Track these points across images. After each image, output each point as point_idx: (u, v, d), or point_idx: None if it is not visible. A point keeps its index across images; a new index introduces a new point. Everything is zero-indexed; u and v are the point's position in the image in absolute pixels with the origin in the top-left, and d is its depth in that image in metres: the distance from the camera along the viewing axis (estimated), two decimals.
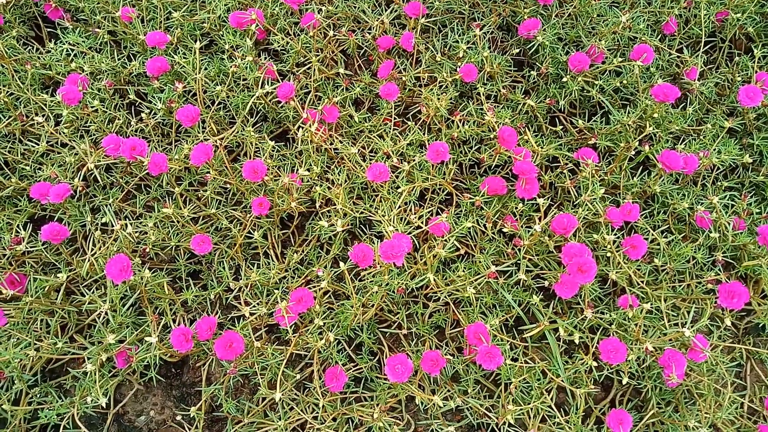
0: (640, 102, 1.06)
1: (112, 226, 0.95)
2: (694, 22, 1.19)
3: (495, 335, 0.92)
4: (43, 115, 1.09)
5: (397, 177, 1.03)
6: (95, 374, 0.86)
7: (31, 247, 0.98)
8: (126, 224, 0.95)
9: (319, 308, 0.91)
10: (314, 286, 0.92)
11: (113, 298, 0.90)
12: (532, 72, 1.15)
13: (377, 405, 0.90)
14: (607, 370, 0.91)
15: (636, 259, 0.93)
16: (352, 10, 1.20)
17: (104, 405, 0.87)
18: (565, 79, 1.10)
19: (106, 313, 0.88)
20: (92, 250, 0.96)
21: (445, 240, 0.93)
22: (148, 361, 0.89)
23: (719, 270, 0.98)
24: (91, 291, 0.94)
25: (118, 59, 1.16)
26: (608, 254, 0.94)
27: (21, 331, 0.91)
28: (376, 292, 0.90)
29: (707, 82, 1.15)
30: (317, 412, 0.90)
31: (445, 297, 0.97)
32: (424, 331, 0.99)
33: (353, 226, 1.02)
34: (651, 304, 0.93)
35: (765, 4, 1.20)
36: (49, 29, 1.26)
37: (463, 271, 0.96)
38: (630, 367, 0.88)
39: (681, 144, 1.07)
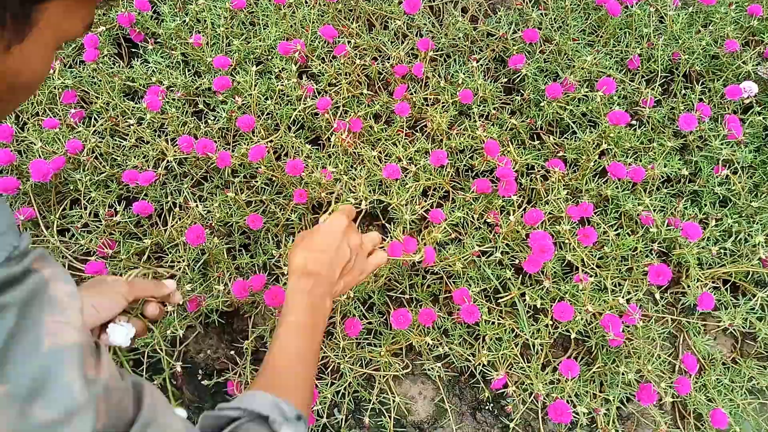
0: (600, 124, 1.34)
1: (188, 204, 1.25)
2: (654, 59, 1.46)
3: (476, 300, 1.20)
4: (130, 118, 1.38)
5: (405, 176, 1.31)
6: (174, 313, 1.15)
7: (121, 219, 1.27)
8: (197, 204, 1.25)
9: None
10: None
11: (188, 258, 1.19)
12: (517, 97, 1.43)
13: (384, 346, 1.18)
14: (561, 328, 1.18)
15: (587, 245, 1.20)
16: (375, 41, 1.49)
17: (180, 337, 1.16)
18: (543, 104, 1.38)
19: (184, 269, 1.17)
20: (171, 223, 1.26)
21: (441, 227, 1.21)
22: (212, 307, 1.18)
23: (654, 257, 1.25)
24: (170, 254, 1.23)
25: (189, 76, 1.46)
26: (566, 241, 1.21)
27: None
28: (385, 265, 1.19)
29: (660, 110, 1.42)
30: (338, 352, 1.19)
31: (440, 271, 1.25)
32: (422, 297, 1.26)
33: (372, 209, 1.31)
34: (598, 281, 1.21)
35: (711, 47, 1.47)
36: (129, 47, 1.57)
37: (454, 251, 1.24)
38: (576, 326, 1.15)
39: (633, 158, 1.35)
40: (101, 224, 1.28)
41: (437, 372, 1.19)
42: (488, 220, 1.26)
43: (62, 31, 0.46)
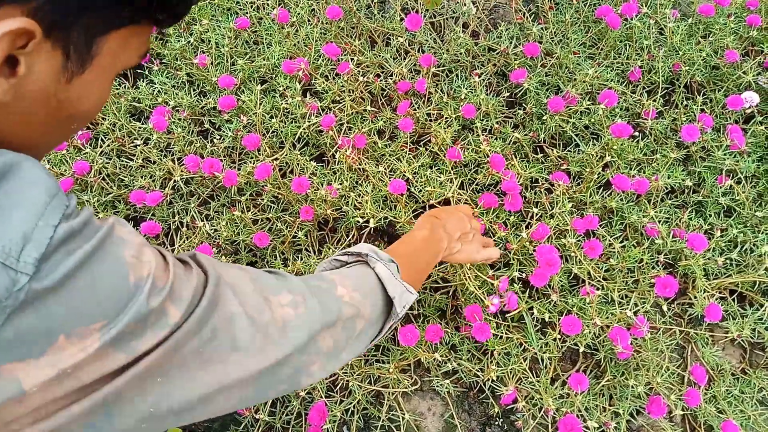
0: (603, 136, 1.35)
1: (195, 223, 1.26)
2: (655, 71, 1.47)
3: (485, 316, 1.20)
4: (137, 139, 1.40)
5: (411, 191, 1.32)
6: None
7: None
8: (204, 223, 1.25)
9: None
10: None
11: None
12: (519, 110, 1.44)
13: (392, 362, 1.18)
14: (569, 342, 1.18)
15: (593, 258, 1.20)
16: (378, 58, 1.51)
17: None
18: (545, 117, 1.39)
19: None
20: (178, 242, 1.26)
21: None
22: None
23: (661, 269, 1.25)
24: None
25: (194, 96, 1.47)
26: (572, 254, 1.21)
27: None
28: None
29: (662, 121, 1.43)
30: (346, 369, 1.19)
31: (448, 287, 1.26)
32: (429, 312, 1.27)
33: (378, 224, 1.32)
34: (605, 293, 1.21)
35: (712, 58, 1.48)
36: (134, 68, 1.59)
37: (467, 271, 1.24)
38: (585, 339, 1.15)
39: (636, 170, 1.35)
40: None
41: (446, 388, 1.19)
42: (496, 234, 1.27)
43: (120, 61, 0.47)
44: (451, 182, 1.30)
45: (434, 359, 1.18)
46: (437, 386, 1.21)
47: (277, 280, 0.59)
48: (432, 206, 1.29)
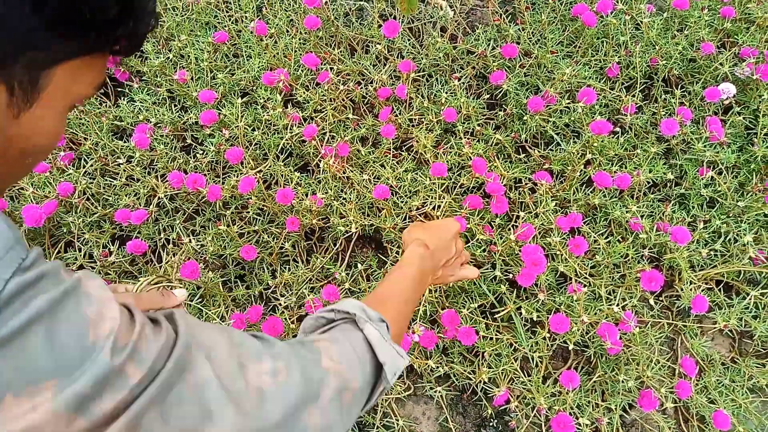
0: (584, 134, 1.36)
1: (181, 240, 1.26)
2: (633, 66, 1.49)
3: (474, 318, 1.21)
4: (120, 157, 1.39)
5: (397, 197, 1.32)
6: None
7: (116, 259, 1.28)
8: (191, 239, 1.25)
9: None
10: (340, 287, 1.22)
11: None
12: (500, 112, 1.45)
13: None
14: (559, 340, 1.18)
15: (579, 255, 1.21)
16: (358, 66, 1.51)
17: None
18: (526, 118, 1.40)
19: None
20: (165, 259, 1.26)
21: None
22: None
23: (646, 263, 1.26)
24: None
25: (175, 112, 1.47)
26: (557, 252, 1.22)
27: None
28: None
29: (642, 116, 1.44)
30: None
31: (438, 288, 1.26)
32: (419, 317, 1.27)
33: (364, 231, 1.32)
34: (592, 290, 1.22)
35: (688, 51, 1.50)
36: (115, 87, 1.59)
37: None
38: (574, 337, 1.15)
39: (618, 165, 1.36)
40: (96, 265, 1.28)
41: (439, 393, 1.20)
42: (482, 237, 1.27)
43: (72, 94, 0.46)
44: (434, 187, 1.31)
45: (427, 365, 1.18)
46: (430, 391, 1.21)
47: (261, 345, 0.54)
48: (424, 216, 1.30)
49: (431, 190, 1.32)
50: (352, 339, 0.63)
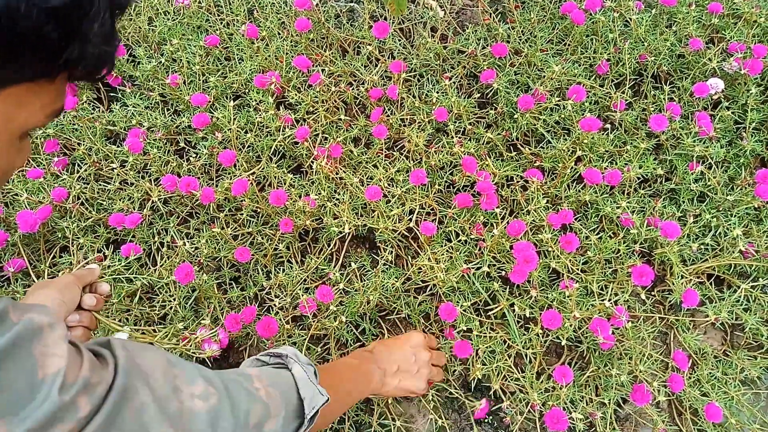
0: (574, 131, 1.37)
1: (175, 243, 1.27)
2: (622, 63, 1.50)
3: (468, 316, 1.22)
4: (113, 162, 1.40)
5: (390, 199, 1.33)
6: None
7: (110, 263, 1.28)
8: (185, 242, 1.26)
9: (334, 301, 1.21)
10: (334, 287, 1.23)
11: (179, 296, 1.20)
12: (491, 111, 1.46)
13: None
14: (551, 336, 1.19)
15: (570, 251, 1.22)
16: (349, 67, 1.52)
17: None
18: (516, 116, 1.41)
19: (175, 308, 1.19)
20: (160, 262, 1.27)
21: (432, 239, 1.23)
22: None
23: (637, 258, 1.27)
24: (160, 294, 1.25)
25: (168, 116, 1.48)
26: (549, 249, 1.23)
27: None
28: (375, 289, 1.21)
29: (632, 112, 1.45)
30: None
31: (431, 289, 1.27)
32: (414, 315, 1.28)
33: (357, 232, 1.33)
34: (584, 286, 1.23)
35: (677, 47, 1.51)
36: (108, 91, 1.59)
37: (444, 264, 1.26)
38: (566, 333, 1.16)
39: (608, 162, 1.37)
40: None
41: (433, 392, 1.20)
42: (472, 236, 1.28)
43: (17, 121, 0.43)
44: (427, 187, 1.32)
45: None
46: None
47: (195, 368, 0.59)
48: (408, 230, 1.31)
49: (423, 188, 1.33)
50: (281, 375, 0.71)
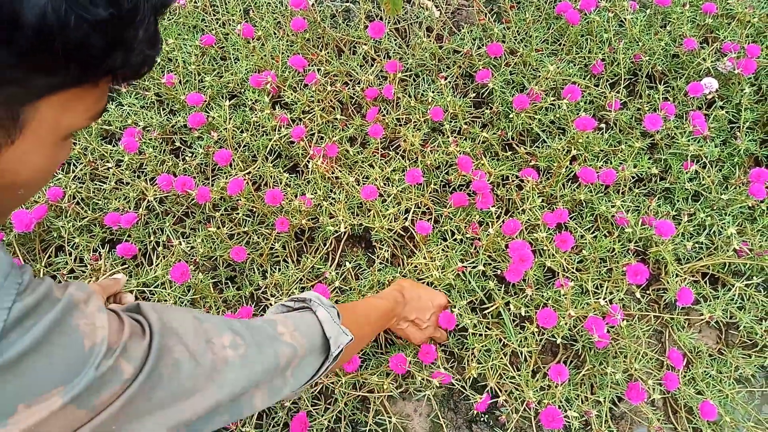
0: (569, 131, 1.37)
1: (171, 242, 1.26)
2: (617, 63, 1.50)
3: (463, 315, 1.22)
4: (109, 161, 1.40)
5: (386, 198, 1.33)
6: None
7: (106, 263, 1.28)
8: (180, 241, 1.26)
9: (330, 299, 1.21)
10: (330, 286, 1.23)
11: (174, 296, 1.20)
12: (487, 110, 1.46)
13: (377, 368, 1.19)
14: (547, 334, 1.19)
15: (565, 250, 1.22)
16: (345, 67, 1.52)
17: None
18: (512, 115, 1.41)
19: None
20: (156, 261, 1.27)
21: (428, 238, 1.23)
22: None
23: (632, 257, 1.27)
24: (155, 293, 1.24)
25: (164, 115, 1.48)
26: (545, 248, 1.24)
27: None
28: (371, 288, 1.21)
29: (627, 112, 1.46)
30: (332, 378, 1.19)
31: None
32: None
33: (353, 231, 1.33)
34: (580, 284, 1.23)
35: (671, 47, 1.51)
36: None
37: (439, 262, 1.26)
38: (562, 331, 1.17)
39: (603, 161, 1.38)
40: (87, 269, 1.29)
41: (430, 391, 1.21)
42: (467, 235, 1.28)
43: (62, 126, 0.45)
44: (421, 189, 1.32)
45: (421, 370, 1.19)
46: (422, 388, 1.22)
47: (221, 320, 0.62)
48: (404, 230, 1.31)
49: (419, 187, 1.33)
50: (305, 317, 0.74)
